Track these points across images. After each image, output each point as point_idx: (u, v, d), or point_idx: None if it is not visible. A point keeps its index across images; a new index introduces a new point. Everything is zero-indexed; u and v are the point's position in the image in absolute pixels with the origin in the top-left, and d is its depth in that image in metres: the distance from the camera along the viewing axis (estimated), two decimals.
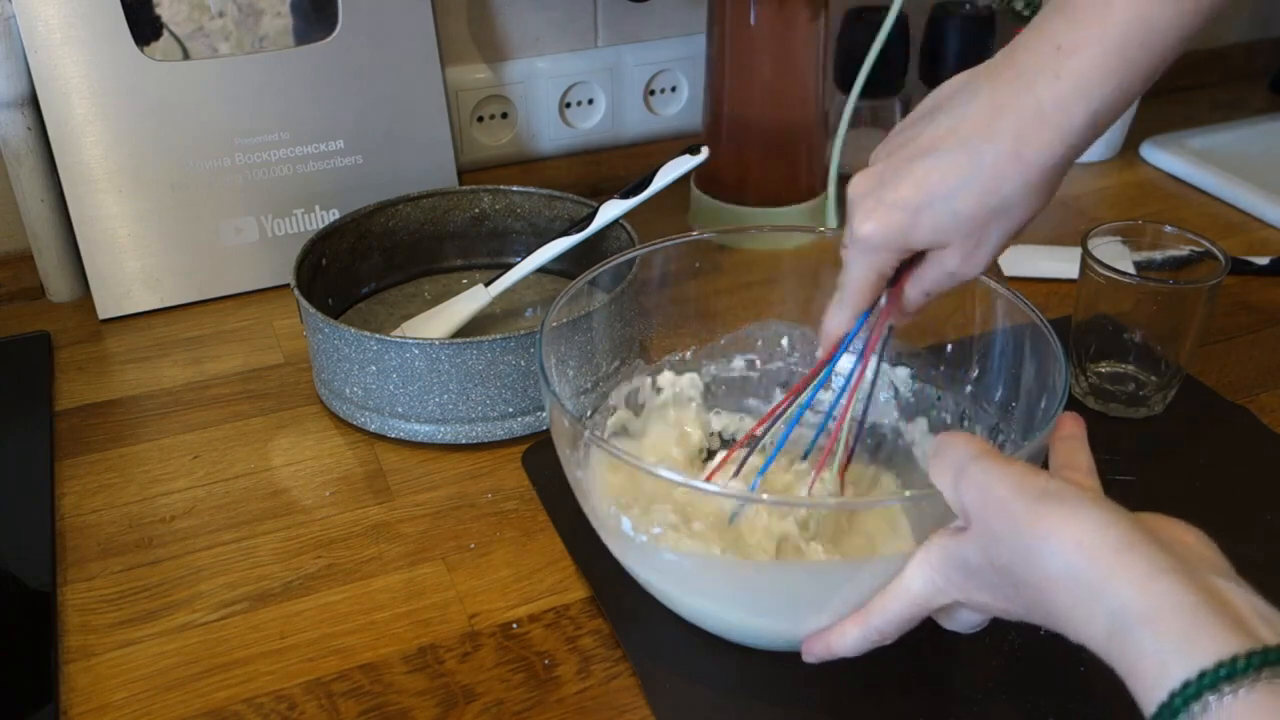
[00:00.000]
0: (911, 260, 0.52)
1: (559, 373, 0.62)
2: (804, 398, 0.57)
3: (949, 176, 0.48)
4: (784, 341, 0.71)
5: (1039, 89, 0.46)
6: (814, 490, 0.59)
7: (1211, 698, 0.33)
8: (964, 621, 0.48)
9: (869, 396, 0.60)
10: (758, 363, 0.71)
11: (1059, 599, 0.40)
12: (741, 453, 0.60)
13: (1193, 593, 0.36)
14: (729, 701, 0.54)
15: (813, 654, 0.51)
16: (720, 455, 0.62)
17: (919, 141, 0.50)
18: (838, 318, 0.54)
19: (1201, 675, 0.34)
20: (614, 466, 0.59)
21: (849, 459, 0.60)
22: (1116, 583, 0.38)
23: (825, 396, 0.60)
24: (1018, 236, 0.50)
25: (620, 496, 0.58)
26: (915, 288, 0.53)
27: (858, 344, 0.55)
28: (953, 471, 0.45)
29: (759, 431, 0.59)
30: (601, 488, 0.59)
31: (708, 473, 0.61)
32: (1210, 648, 0.34)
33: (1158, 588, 0.37)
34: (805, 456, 0.61)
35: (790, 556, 0.56)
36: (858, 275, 0.52)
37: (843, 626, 0.50)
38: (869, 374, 0.57)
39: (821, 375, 0.56)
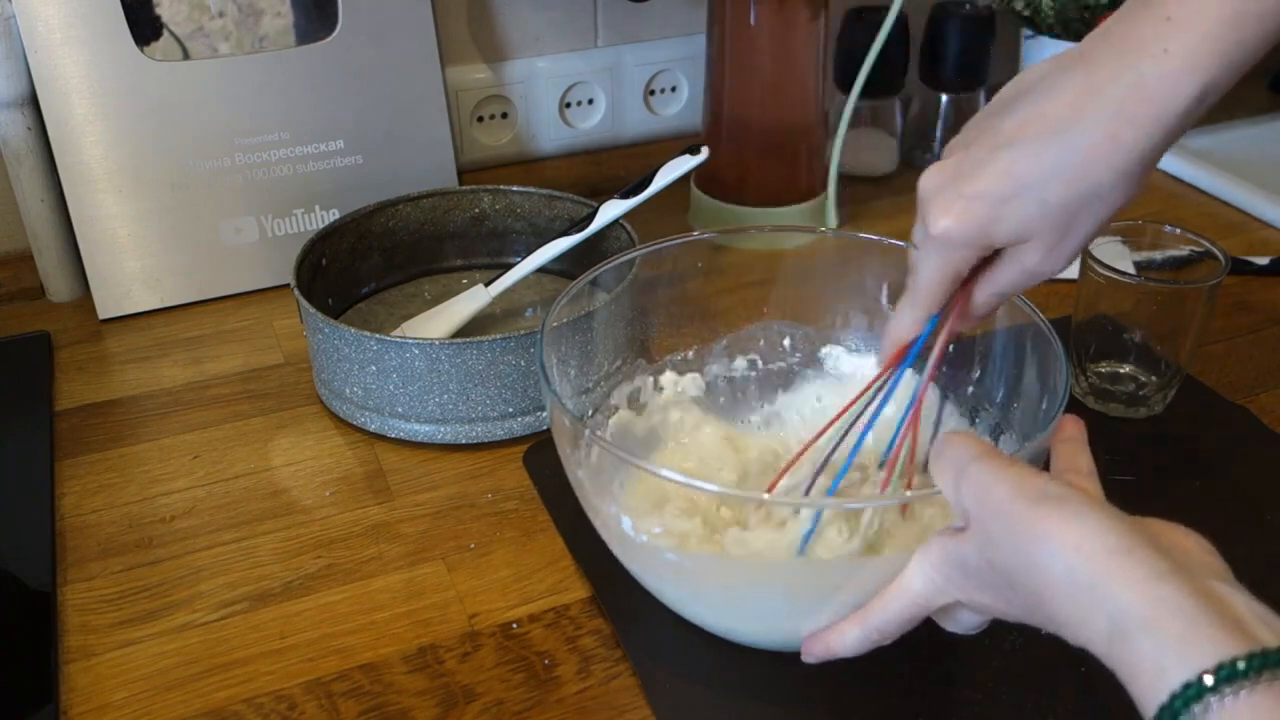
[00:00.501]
0: (983, 260, 0.49)
1: (560, 372, 0.62)
2: (872, 409, 0.54)
3: (1037, 165, 0.45)
4: (786, 342, 0.71)
5: (1144, 65, 0.43)
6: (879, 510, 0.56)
7: (1212, 699, 0.33)
8: (964, 623, 0.48)
9: (939, 411, 0.59)
10: (760, 362, 0.71)
11: (1057, 601, 0.40)
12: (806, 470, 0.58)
13: (1192, 596, 0.36)
14: (729, 702, 0.54)
15: (812, 654, 0.51)
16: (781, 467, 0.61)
17: (1002, 130, 0.47)
18: (907, 320, 0.52)
19: (1202, 677, 0.34)
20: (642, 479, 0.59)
21: (914, 472, 0.57)
22: (1116, 586, 0.38)
23: (889, 410, 0.57)
24: (1102, 231, 0.48)
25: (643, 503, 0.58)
26: (988, 289, 0.50)
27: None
28: (953, 471, 0.45)
29: (821, 443, 0.57)
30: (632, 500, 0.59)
31: (769, 486, 0.59)
32: (1210, 650, 0.34)
33: (1157, 592, 0.37)
34: (880, 465, 0.57)
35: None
36: (931, 275, 0.50)
37: (842, 626, 0.50)
38: (932, 385, 0.54)
39: (892, 382, 0.54)
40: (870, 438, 0.55)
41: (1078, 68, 0.45)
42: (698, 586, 0.54)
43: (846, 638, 0.49)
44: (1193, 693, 0.34)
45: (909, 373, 0.54)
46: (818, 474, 0.57)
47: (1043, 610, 0.41)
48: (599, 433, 0.65)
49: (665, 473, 0.50)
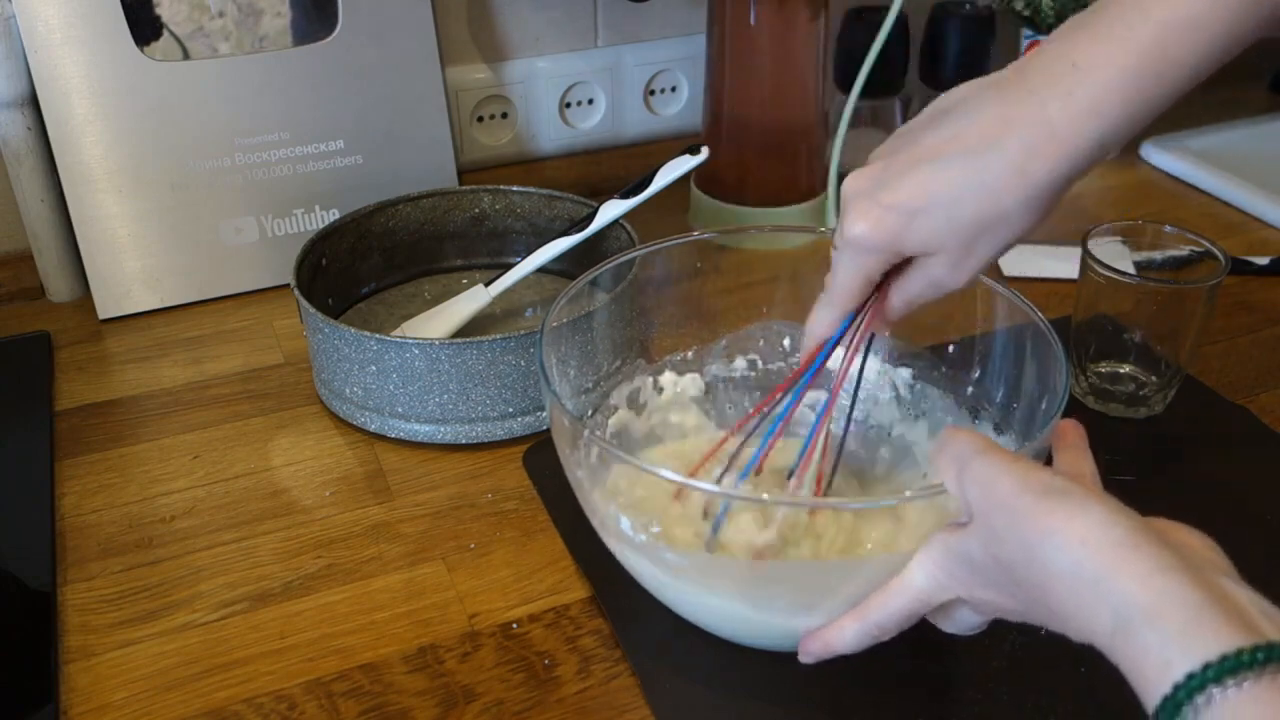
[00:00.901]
0: (897, 267, 0.52)
1: (559, 372, 0.62)
2: (786, 400, 0.56)
3: (950, 184, 0.48)
4: (785, 342, 0.71)
5: (1050, 106, 0.45)
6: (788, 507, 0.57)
7: (1215, 690, 0.33)
8: (963, 622, 0.48)
9: (850, 409, 0.59)
10: (760, 363, 0.71)
11: (1062, 595, 0.40)
12: (725, 454, 0.59)
13: (1197, 590, 0.36)
14: (729, 702, 0.54)
15: (810, 653, 0.51)
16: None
17: (922, 145, 0.49)
18: (822, 318, 0.54)
19: (1205, 668, 0.34)
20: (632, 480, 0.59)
21: (830, 476, 0.59)
22: (1121, 579, 0.38)
23: (816, 395, 0.60)
24: (1001, 254, 0.50)
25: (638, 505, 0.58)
26: (899, 295, 0.53)
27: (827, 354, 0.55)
28: (956, 466, 0.45)
29: (739, 431, 0.58)
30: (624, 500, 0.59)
31: (689, 471, 0.60)
32: (1214, 642, 0.34)
33: (1162, 584, 0.37)
34: (790, 475, 0.59)
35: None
36: (845, 277, 0.52)
37: (841, 623, 0.50)
38: (848, 384, 0.56)
39: (804, 376, 0.56)
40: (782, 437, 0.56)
41: (995, 97, 0.48)
42: (697, 585, 0.54)
43: (845, 634, 0.49)
44: (1195, 683, 0.34)
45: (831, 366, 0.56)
46: (732, 459, 0.58)
47: (1046, 604, 0.41)
48: (598, 433, 0.65)
49: (664, 473, 0.50)
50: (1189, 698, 0.34)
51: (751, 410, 0.59)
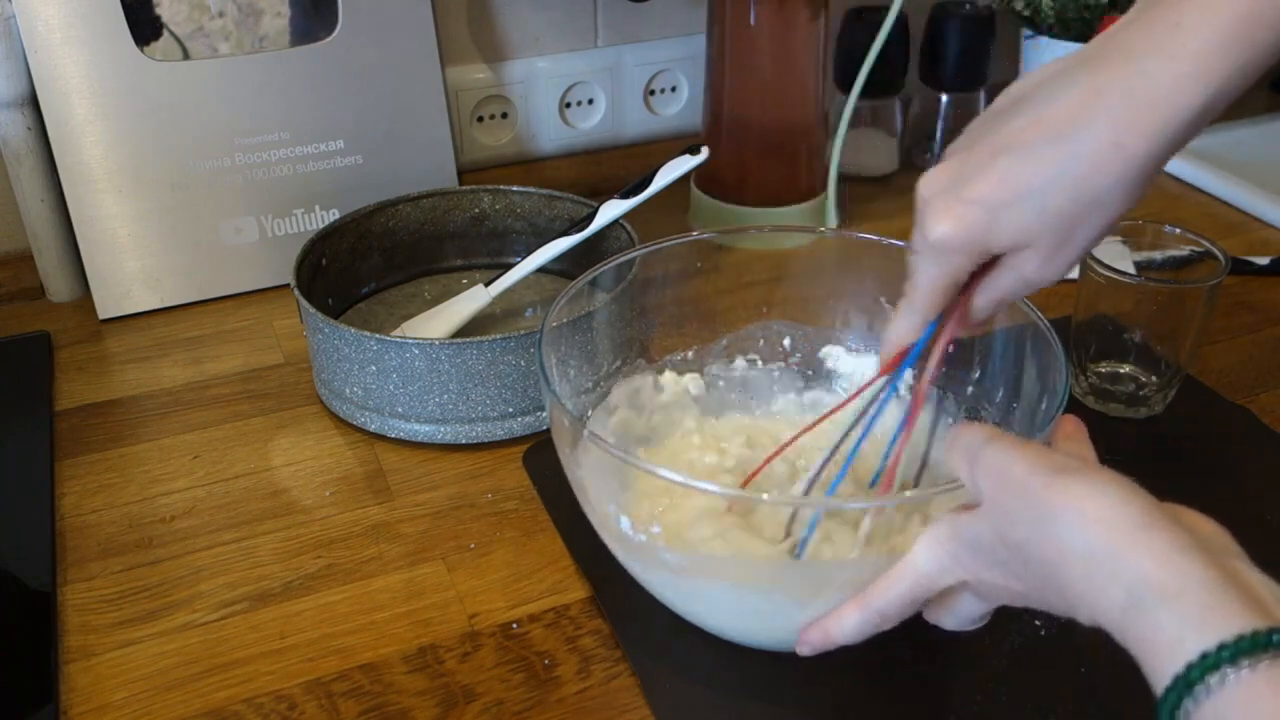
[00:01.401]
0: (982, 265, 0.49)
1: (559, 372, 0.62)
2: (868, 416, 0.54)
3: (1037, 171, 0.44)
4: (786, 342, 0.71)
5: (1151, 70, 0.42)
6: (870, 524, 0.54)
7: (1229, 671, 0.33)
8: (965, 614, 0.48)
9: (933, 424, 0.58)
10: (760, 362, 0.71)
11: (1074, 574, 0.39)
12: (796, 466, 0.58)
13: (1212, 571, 0.36)
14: (729, 702, 0.54)
15: (810, 643, 0.50)
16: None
17: (1002, 134, 0.46)
18: (904, 326, 0.51)
19: (1221, 648, 0.34)
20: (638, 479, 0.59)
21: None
22: (1136, 557, 0.38)
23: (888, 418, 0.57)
24: (1102, 239, 0.47)
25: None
26: (986, 295, 0.49)
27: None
28: (967, 457, 0.45)
29: (807, 442, 0.57)
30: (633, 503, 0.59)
31: (744, 480, 0.59)
32: (1229, 623, 0.34)
33: (1178, 564, 0.37)
34: (873, 483, 0.56)
35: None
36: (928, 281, 0.49)
37: (841, 611, 0.49)
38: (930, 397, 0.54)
39: (890, 388, 0.53)
40: (866, 445, 0.54)
41: (1081, 72, 0.44)
42: (697, 586, 0.54)
43: (846, 623, 0.49)
44: (1210, 663, 0.34)
45: (908, 376, 0.54)
46: (813, 481, 0.57)
47: (1055, 583, 0.41)
48: (599, 432, 0.65)
49: (664, 472, 0.50)
50: (1202, 677, 0.34)
51: (821, 416, 0.57)
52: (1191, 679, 0.34)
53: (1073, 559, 0.39)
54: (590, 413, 0.66)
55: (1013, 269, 0.48)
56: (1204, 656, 0.34)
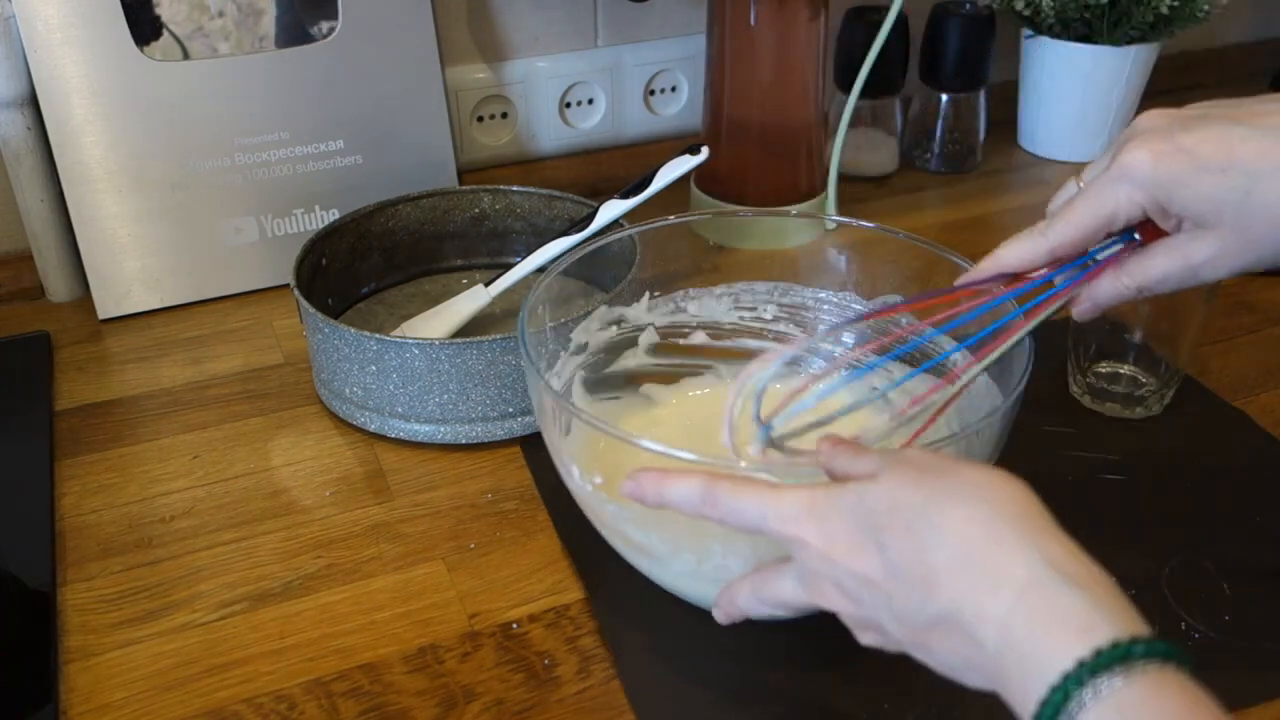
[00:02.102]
0: (1137, 240, 0.45)
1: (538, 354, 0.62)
2: (923, 332, 0.50)
3: (1266, 153, 0.42)
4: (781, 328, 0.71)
5: None
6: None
7: (1139, 665, 0.34)
8: (769, 594, 0.45)
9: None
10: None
11: (970, 543, 0.38)
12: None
13: (1104, 578, 0.37)
14: (719, 712, 0.54)
15: (637, 485, 0.47)
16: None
17: (1245, 107, 0.44)
18: (1024, 248, 0.47)
19: (1136, 638, 0.34)
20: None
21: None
22: (1046, 539, 0.38)
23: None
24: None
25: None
26: (1131, 275, 0.46)
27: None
28: (853, 453, 0.44)
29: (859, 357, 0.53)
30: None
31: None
32: (1138, 625, 0.36)
33: (1083, 559, 0.38)
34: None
35: None
36: (1083, 211, 0.45)
37: (685, 476, 0.45)
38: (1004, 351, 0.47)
39: (965, 316, 0.48)
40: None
41: None
42: (671, 550, 0.53)
43: (682, 487, 0.45)
44: (1140, 650, 0.34)
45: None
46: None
47: (931, 559, 0.38)
48: (572, 402, 0.64)
49: (645, 443, 0.49)
50: (1119, 661, 0.34)
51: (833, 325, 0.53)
52: (1116, 655, 0.34)
53: (971, 524, 0.38)
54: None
55: (1179, 251, 0.45)
56: (1133, 641, 0.34)
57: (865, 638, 0.43)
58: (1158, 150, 0.44)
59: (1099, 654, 0.34)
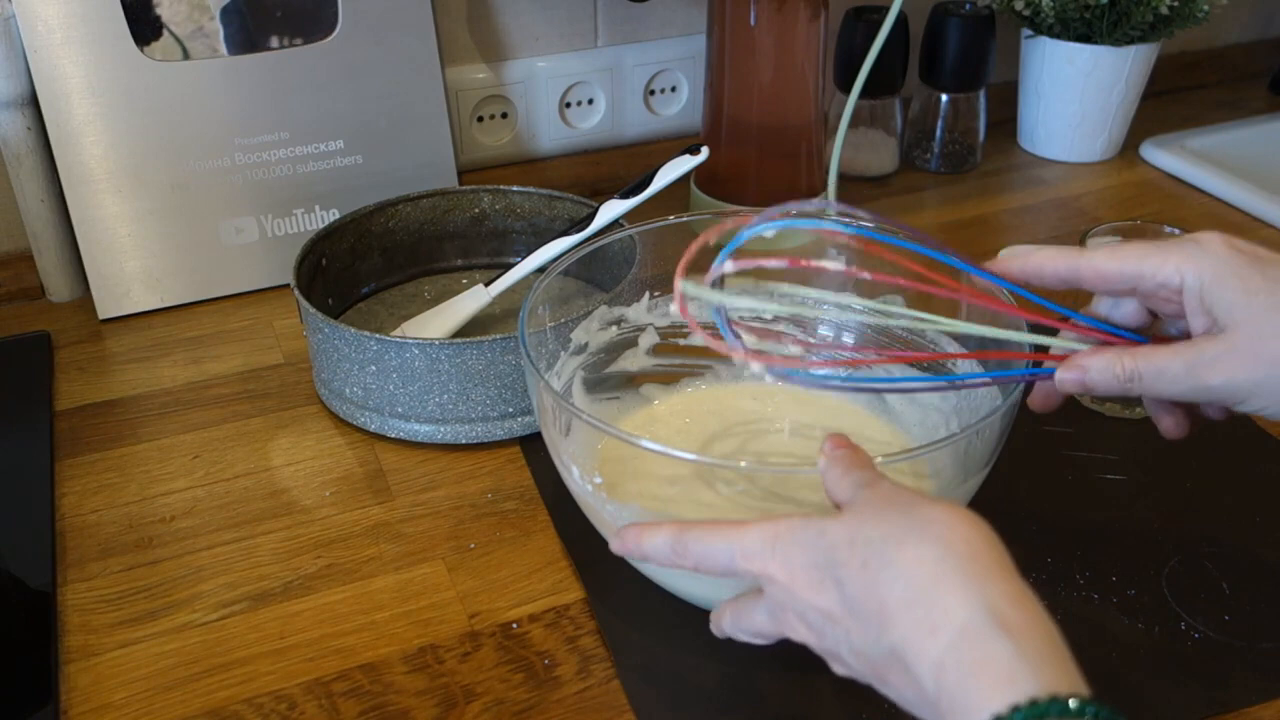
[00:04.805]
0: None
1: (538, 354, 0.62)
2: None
3: None
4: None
5: None
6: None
7: None
8: (748, 624, 0.46)
9: None
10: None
11: (923, 580, 0.39)
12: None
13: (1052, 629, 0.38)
14: (718, 712, 0.54)
15: (622, 540, 0.48)
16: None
17: None
18: (1053, 255, 0.49)
19: (1057, 698, 0.35)
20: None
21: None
22: (994, 583, 0.38)
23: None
24: None
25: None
26: (1133, 358, 0.48)
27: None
28: (855, 476, 0.45)
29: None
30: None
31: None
32: (1064, 680, 0.36)
33: (1027, 608, 0.38)
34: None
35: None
36: (1134, 250, 0.47)
37: (660, 527, 0.47)
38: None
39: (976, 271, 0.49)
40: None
41: None
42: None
43: (657, 538, 0.47)
44: (1056, 709, 0.34)
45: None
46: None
47: (884, 595, 0.39)
48: (572, 401, 0.64)
49: (645, 443, 0.49)
50: (1040, 718, 0.34)
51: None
52: (1039, 710, 0.34)
53: (922, 565, 0.39)
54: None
55: (1189, 347, 0.47)
56: (1053, 700, 0.34)
57: (835, 668, 0.44)
58: (1235, 243, 0.46)
59: (1015, 710, 0.35)
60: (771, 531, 0.44)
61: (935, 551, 0.39)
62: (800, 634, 0.44)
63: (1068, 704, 0.34)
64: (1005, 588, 0.38)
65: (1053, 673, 0.36)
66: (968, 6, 1.03)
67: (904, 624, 0.39)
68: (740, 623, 0.47)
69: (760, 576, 0.44)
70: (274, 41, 0.85)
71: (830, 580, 0.42)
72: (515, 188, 0.88)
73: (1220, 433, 0.71)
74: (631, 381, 0.70)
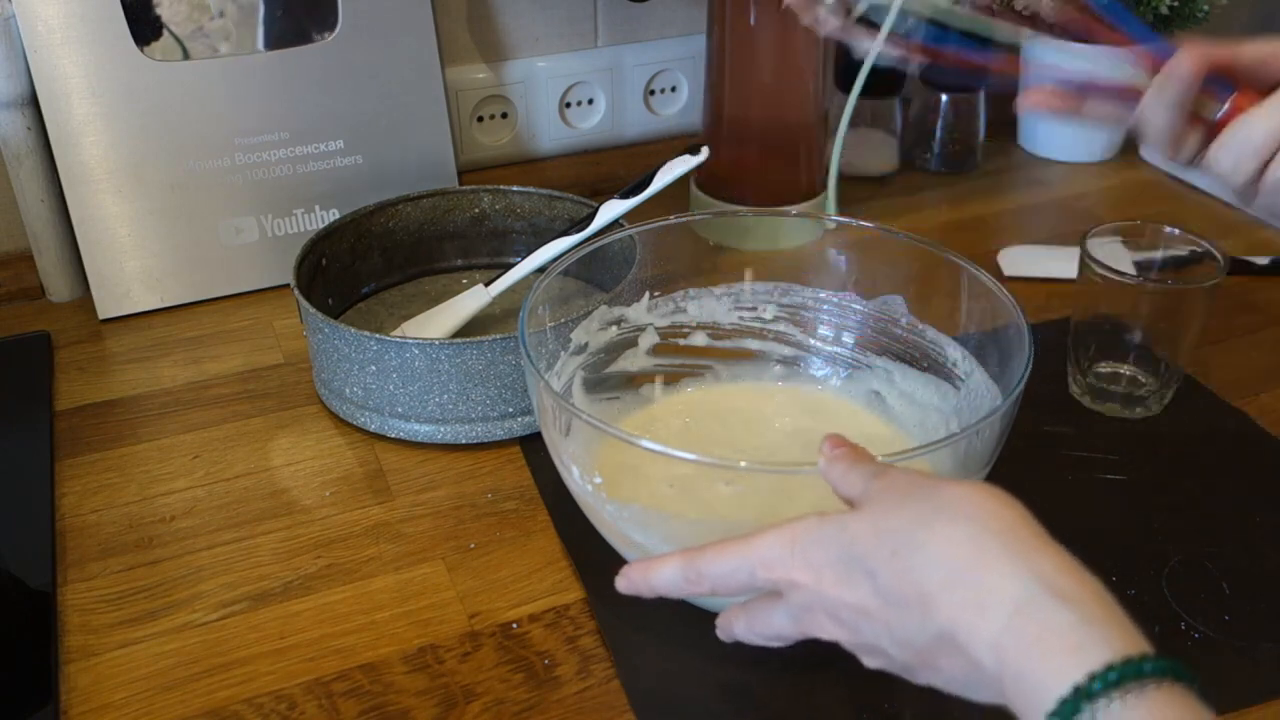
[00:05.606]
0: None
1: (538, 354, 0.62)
2: None
3: None
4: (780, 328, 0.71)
5: None
6: None
7: (1133, 686, 0.34)
8: (768, 627, 0.45)
9: None
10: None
11: (959, 563, 0.38)
12: None
13: (1107, 594, 0.37)
14: (718, 712, 0.54)
15: (628, 578, 0.47)
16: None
17: None
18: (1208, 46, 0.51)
19: (1131, 659, 0.34)
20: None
21: None
22: (1040, 558, 0.38)
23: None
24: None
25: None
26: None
27: None
28: (867, 468, 0.45)
29: None
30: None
31: None
32: (1134, 642, 0.35)
33: (1077, 574, 0.37)
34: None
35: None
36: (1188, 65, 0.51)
37: (666, 559, 0.46)
38: None
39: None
40: None
41: None
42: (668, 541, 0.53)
43: (665, 571, 0.46)
44: (1131, 671, 0.34)
45: None
46: None
47: (922, 580, 0.39)
48: (572, 402, 0.64)
49: (645, 443, 0.49)
50: (1115, 686, 0.34)
51: None
52: (1109, 679, 0.34)
53: (958, 545, 0.38)
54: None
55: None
56: (1126, 662, 0.34)
57: (870, 662, 0.43)
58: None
59: (1093, 678, 0.34)
60: (788, 536, 0.43)
61: (968, 530, 0.39)
62: (829, 632, 0.43)
63: (1143, 665, 0.34)
64: (1052, 556, 0.38)
65: (1121, 636, 0.35)
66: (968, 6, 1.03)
67: (949, 606, 0.38)
68: (756, 627, 0.46)
69: (782, 583, 0.43)
70: (274, 41, 0.85)
71: (860, 574, 0.41)
72: (515, 188, 0.88)
73: (1220, 433, 0.72)
74: (631, 381, 0.70)
